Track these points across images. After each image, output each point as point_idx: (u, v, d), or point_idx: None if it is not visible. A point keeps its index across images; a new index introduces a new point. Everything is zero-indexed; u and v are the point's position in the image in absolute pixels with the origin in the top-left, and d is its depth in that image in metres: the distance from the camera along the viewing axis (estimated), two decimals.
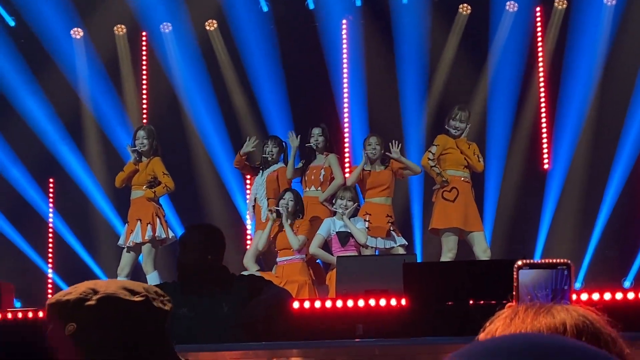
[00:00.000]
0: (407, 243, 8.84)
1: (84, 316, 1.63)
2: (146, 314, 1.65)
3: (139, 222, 8.85)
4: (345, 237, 8.38)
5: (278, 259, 8.52)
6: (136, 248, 8.95)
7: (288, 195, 8.47)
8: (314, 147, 8.85)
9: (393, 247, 8.60)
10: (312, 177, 8.78)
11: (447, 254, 8.39)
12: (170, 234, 8.91)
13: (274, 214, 8.43)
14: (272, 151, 8.95)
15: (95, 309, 1.63)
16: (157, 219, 8.87)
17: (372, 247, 8.51)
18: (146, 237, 8.80)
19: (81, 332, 1.62)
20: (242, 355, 4.62)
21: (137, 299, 1.66)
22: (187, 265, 4.81)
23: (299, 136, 8.93)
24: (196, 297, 4.75)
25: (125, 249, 8.99)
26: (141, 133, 9.04)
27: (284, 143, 9.10)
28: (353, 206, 8.42)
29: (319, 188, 8.78)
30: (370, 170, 8.73)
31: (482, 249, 8.36)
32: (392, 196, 8.81)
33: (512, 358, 0.99)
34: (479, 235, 8.42)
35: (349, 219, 8.35)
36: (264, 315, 4.88)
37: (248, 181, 10.04)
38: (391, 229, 8.63)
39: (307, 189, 8.84)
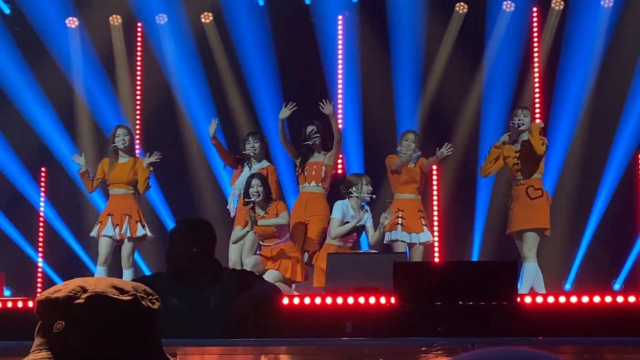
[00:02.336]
0: (436, 239, 8.98)
1: (72, 314, 1.63)
2: (134, 313, 1.65)
3: (127, 217, 8.85)
4: (351, 230, 8.43)
5: (263, 244, 8.42)
6: (113, 242, 8.91)
7: (255, 182, 8.37)
8: (311, 144, 8.82)
9: (429, 241, 8.77)
10: (313, 173, 8.73)
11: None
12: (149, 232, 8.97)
13: (253, 217, 8.31)
14: (254, 147, 8.82)
15: (83, 308, 1.63)
16: (142, 217, 8.92)
17: (406, 242, 8.63)
18: (138, 234, 8.83)
19: (69, 330, 1.62)
20: (229, 351, 4.61)
21: (125, 298, 1.66)
22: (173, 257, 4.91)
23: (293, 109, 8.82)
24: (184, 288, 4.81)
25: (105, 240, 8.89)
26: (122, 131, 9.02)
27: (265, 139, 9.07)
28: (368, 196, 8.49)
29: (320, 184, 8.74)
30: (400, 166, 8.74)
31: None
32: (422, 192, 8.87)
33: None
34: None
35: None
36: (253, 311, 4.89)
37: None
38: (423, 223, 8.73)
39: (307, 184, 8.79)
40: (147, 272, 9.81)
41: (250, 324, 4.92)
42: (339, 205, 8.48)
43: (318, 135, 8.82)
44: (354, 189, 8.50)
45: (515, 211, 8.45)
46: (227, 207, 9.16)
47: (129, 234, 8.83)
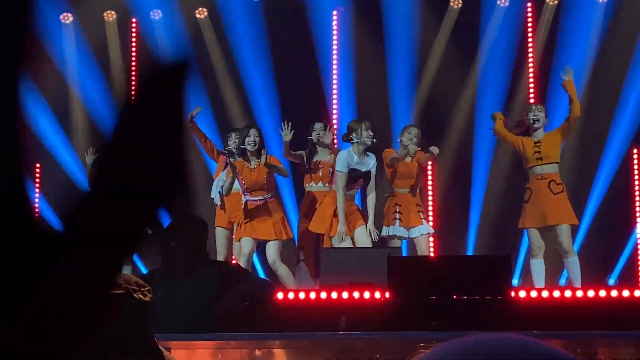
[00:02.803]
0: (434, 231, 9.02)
1: None
2: (127, 306, 1.65)
3: None
4: (356, 176, 8.45)
5: (249, 199, 8.50)
6: None
7: (253, 132, 8.52)
8: (315, 141, 8.81)
9: (429, 233, 8.77)
10: (320, 174, 8.75)
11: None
12: None
13: (232, 158, 8.45)
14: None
15: None
16: None
17: (403, 238, 8.65)
18: None
19: None
20: (223, 345, 4.62)
21: (117, 291, 1.65)
22: (164, 252, 4.98)
23: (292, 131, 8.71)
24: (168, 282, 4.86)
25: None
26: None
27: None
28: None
29: (327, 184, 8.76)
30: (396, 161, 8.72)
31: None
32: (419, 187, 8.88)
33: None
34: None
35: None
36: (244, 306, 4.91)
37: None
38: (422, 217, 8.75)
39: (314, 184, 8.81)
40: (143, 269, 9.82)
41: (239, 319, 4.93)
42: (341, 156, 8.47)
43: (324, 132, 8.82)
44: (354, 134, 8.49)
45: (538, 205, 8.37)
46: (212, 196, 9.22)
47: None
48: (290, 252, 9.19)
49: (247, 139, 8.57)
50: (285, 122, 8.66)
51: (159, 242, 4.98)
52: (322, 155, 8.82)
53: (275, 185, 8.75)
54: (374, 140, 8.51)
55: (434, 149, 8.63)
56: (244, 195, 8.57)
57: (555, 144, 8.42)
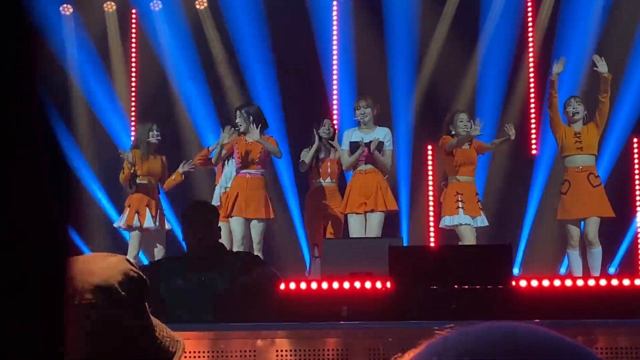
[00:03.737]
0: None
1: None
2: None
3: (147, 208, 9.15)
4: (354, 147, 8.61)
5: (241, 170, 8.72)
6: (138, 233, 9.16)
7: (246, 109, 8.80)
8: (322, 137, 8.90)
9: (484, 226, 8.70)
10: (328, 170, 8.92)
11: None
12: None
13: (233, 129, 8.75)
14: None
15: (80, 312, 1.60)
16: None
17: (470, 226, 8.59)
18: (157, 224, 9.17)
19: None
20: (225, 336, 4.64)
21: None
22: (189, 242, 4.98)
23: (317, 133, 8.98)
24: (191, 272, 4.88)
25: (134, 232, 9.17)
26: (155, 126, 9.28)
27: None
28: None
29: (334, 180, 8.98)
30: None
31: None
32: (475, 175, 8.83)
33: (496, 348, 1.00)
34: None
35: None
36: (250, 295, 4.93)
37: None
38: (480, 207, 8.72)
39: (322, 180, 8.93)
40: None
41: (245, 307, 4.95)
42: (344, 136, 8.73)
43: (333, 129, 9.02)
44: (357, 112, 8.74)
45: (578, 197, 8.40)
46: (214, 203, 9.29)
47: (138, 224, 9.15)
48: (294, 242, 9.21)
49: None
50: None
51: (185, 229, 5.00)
52: (327, 153, 8.95)
53: (268, 165, 8.95)
54: (365, 117, 8.67)
55: (512, 132, 8.66)
56: (236, 170, 8.80)
57: (594, 136, 8.52)
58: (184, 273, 4.87)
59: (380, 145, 8.57)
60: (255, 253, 8.71)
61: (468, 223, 8.55)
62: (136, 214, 9.06)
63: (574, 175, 8.48)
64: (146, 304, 1.63)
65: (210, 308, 4.83)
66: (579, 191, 8.42)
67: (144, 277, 1.63)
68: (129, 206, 9.21)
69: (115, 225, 9.50)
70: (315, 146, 8.90)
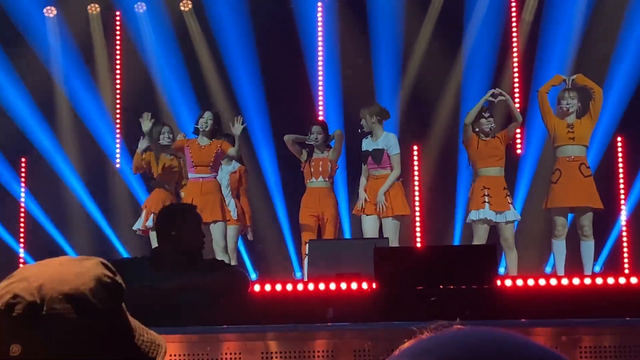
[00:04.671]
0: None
1: (30, 335, 1.56)
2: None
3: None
4: (364, 156, 8.80)
5: (193, 175, 8.80)
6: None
7: (208, 114, 8.87)
8: (314, 144, 8.93)
9: (515, 219, 8.65)
10: (320, 169, 8.94)
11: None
12: None
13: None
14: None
15: (43, 326, 1.56)
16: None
17: (492, 223, 8.57)
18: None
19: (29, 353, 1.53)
20: (210, 339, 4.63)
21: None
22: (183, 242, 4.92)
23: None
24: (161, 273, 4.84)
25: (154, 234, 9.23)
26: (167, 128, 9.25)
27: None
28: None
29: (327, 179, 8.98)
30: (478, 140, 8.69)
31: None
32: (504, 166, 8.74)
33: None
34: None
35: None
36: (218, 294, 4.91)
37: None
38: (509, 201, 8.66)
39: (315, 179, 8.96)
40: None
41: (212, 308, 4.93)
42: (394, 138, 8.83)
43: (322, 135, 9.00)
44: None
45: (568, 186, 8.44)
46: None
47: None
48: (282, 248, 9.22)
49: (200, 120, 8.90)
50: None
51: (160, 229, 4.94)
52: (319, 152, 8.96)
53: (218, 169, 8.99)
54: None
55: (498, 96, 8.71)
56: (189, 173, 8.88)
57: (587, 128, 8.59)
58: (153, 274, 4.83)
59: (377, 152, 8.72)
60: (232, 259, 8.80)
61: (490, 219, 8.52)
62: (151, 216, 8.97)
63: (565, 164, 8.53)
64: (124, 306, 1.55)
65: (178, 311, 4.80)
66: (569, 180, 8.46)
67: (119, 281, 1.54)
68: (145, 208, 9.19)
69: (134, 229, 9.42)
70: (300, 137, 9.00)
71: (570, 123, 8.58)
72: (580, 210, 8.55)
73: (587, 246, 8.58)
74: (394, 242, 8.43)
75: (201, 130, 8.87)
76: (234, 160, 9.21)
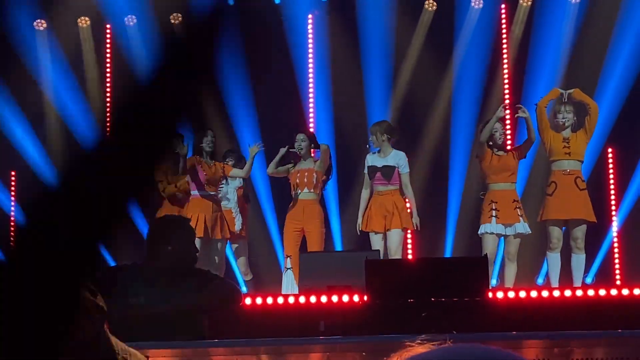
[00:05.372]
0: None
1: None
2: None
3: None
4: (371, 172, 8.79)
5: (202, 193, 8.87)
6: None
7: (210, 133, 8.98)
8: (298, 153, 8.91)
9: (525, 232, 8.65)
10: (305, 180, 8.89)
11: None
12: None
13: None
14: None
15: None
16: None
17: (502, 236, 8.60)
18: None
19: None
20: (202, 353, 4.61)
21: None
22: (149, 255, 4.86)
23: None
24: (155, 289, 4.78)
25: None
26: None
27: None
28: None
29: (312, 190, 8.90)
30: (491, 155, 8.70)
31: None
32: (516, 181, 8.80)
33: None
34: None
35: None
36: (207, 307, 4.88)
37: None
38: (519, 213, 8.66)
39: (300, 191, 8.90)
40: None
41: (202, 320, 4.89)
42: (366, 160, 8.86)
43: (305, 143, 8.97)
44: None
45: (564, 198, 8.47)
46: None
47: None
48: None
49: (205, 139, 8.95)
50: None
51: (151, 241, 4.88)
52: (306, 163, 8.92)
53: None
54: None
55: (523, 114, 8.67)
56: (197, 189, 8.88)
57: (582, 143, 8.62)
58: (147, 290, 4.78)
59: (388, 170, 8.75)
60: (246, 274, 8.93)
61: (498, 232, 8.56)
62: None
63: (561, 177, 8.58)
64: (105, 328, 1.50)
65: (170, 325, 4.76)
66: (565, 193, 8.52)
67: (100, 304, 1.49)
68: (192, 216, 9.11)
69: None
70: (279, 155, 8.96)
71: (566, 137, 8.62)
72: (574, 222, 8.58)
73: (578, 259, 8.62)
74: (397, 254, 8.55)
75: (208, 149, 8.93)
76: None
